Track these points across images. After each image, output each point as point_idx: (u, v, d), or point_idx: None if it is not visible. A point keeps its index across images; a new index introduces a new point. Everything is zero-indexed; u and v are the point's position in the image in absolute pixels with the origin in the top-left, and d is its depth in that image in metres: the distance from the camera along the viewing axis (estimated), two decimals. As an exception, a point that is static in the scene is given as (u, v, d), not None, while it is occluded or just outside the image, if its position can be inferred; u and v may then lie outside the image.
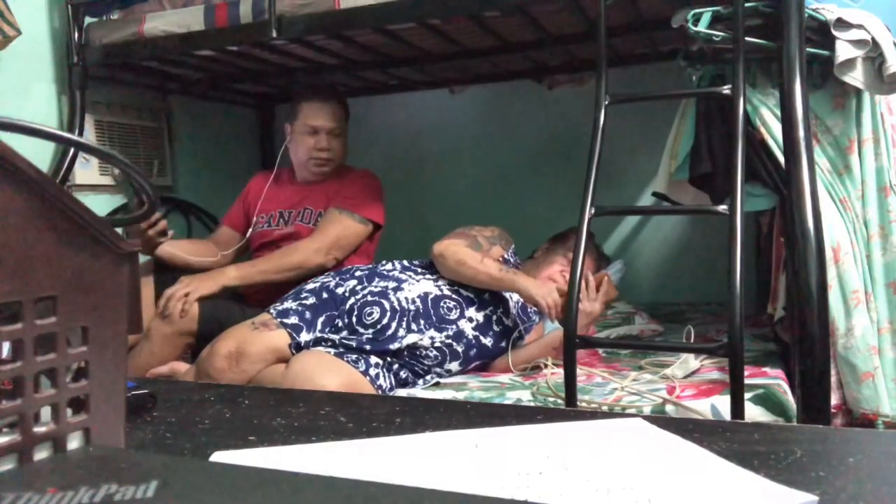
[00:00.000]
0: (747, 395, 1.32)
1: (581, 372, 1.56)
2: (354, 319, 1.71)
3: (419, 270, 1.89)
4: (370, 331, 1.68)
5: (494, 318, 1.82)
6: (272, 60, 2.53)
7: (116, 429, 0.54)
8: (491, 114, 3.06)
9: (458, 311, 1.77)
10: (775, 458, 0.60)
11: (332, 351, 1.64)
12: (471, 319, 1.78)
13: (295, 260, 2.03)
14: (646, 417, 0.70)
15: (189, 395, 0.92)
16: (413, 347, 1.69)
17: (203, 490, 0.43)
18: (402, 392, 1.64)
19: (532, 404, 1.48)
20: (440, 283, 1.83)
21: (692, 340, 1.75)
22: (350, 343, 1.66)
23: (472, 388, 1.61)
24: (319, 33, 2.11)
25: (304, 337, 1.69)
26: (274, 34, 2.04)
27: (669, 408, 1.39)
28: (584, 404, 1.41)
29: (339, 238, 2.08)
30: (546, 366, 1.70)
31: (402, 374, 1.69)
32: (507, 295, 1.86)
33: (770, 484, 0.52)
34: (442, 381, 1.72)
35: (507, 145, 3.06)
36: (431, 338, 1.70)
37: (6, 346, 0.47)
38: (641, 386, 1.52)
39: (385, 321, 1.69)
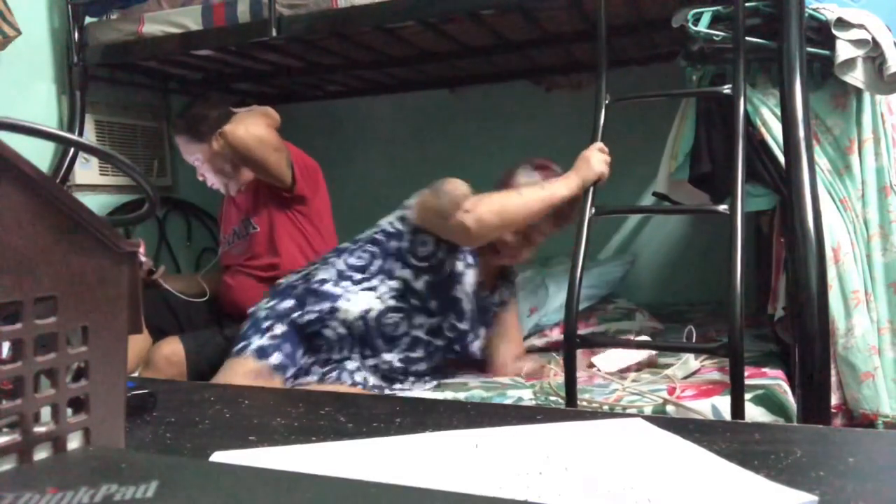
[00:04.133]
0: (747, 396, 1.32)
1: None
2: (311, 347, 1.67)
3: (356, 278, 1.68)
4: (324, 357, 1.65)
5: (446, 325, 1.69)
6: (272, 60, 2.53)
7: (116, 429, 0.53)
8: (491, 114, 3.06)
9: (406, 322, 1.65)
10: (775, 458, 0.60)
11: (320, 371, 1.64)
12: (421, 326, 1.67)
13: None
14: (646, 417, 0.70)
15: (189, 395, 0.92)
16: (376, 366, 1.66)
17: (203, 490, 0.42)
18: (401, 392, 1.64)
19: (532, 404, 1.48)
20: (381, 290, 1.65)
21: (692, 340, 1.75)
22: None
23: (473, 388, 1.61)
24: (318, 32, 2.11)
25: (291, 371, 1.63)
26: (273, 33, 2.05)
27: (670, 408, 1.39)
28: (584, 404, 1.41)
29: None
30: (550, 364, 1.70)
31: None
32: (462, 297, 1.68)
33: (770, 484, 0.52)
34: (442, 381, 1.72)
35: (506, 145, 3.06)
36: (388, 361, 1.65)
37: (6, 346, 0.47)
38: (642, 386, 1.52)
39: (335, 354, 1.64)
